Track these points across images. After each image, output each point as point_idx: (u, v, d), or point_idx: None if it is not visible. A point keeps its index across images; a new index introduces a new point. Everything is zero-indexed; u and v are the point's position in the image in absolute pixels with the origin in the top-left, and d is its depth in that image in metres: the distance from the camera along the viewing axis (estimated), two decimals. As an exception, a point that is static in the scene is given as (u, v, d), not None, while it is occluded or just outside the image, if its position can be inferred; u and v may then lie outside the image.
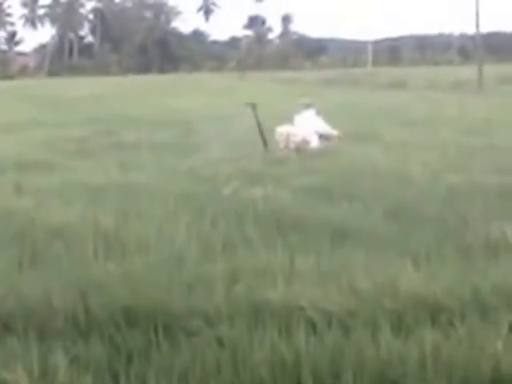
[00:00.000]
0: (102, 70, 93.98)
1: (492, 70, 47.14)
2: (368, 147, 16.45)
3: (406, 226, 8.67)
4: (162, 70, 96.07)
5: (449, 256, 7.26)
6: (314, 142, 16.83)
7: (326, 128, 17.15)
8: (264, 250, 7.51)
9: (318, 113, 17.57)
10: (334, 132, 17.20)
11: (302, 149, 16.37)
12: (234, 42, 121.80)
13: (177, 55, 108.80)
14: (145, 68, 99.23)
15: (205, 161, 14.40)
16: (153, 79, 63.88)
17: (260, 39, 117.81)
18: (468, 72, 46.42)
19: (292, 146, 16.58)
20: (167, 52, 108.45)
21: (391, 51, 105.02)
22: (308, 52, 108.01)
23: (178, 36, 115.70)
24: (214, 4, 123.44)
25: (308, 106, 17.65)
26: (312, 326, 5.51)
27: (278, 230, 8.37)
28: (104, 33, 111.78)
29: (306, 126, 16.99)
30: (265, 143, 16.55)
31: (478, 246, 7.70)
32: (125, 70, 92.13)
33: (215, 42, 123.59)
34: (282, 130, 17.09)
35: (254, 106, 17.31)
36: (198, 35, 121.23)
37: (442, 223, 8.71)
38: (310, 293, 6.05)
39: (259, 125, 16.80)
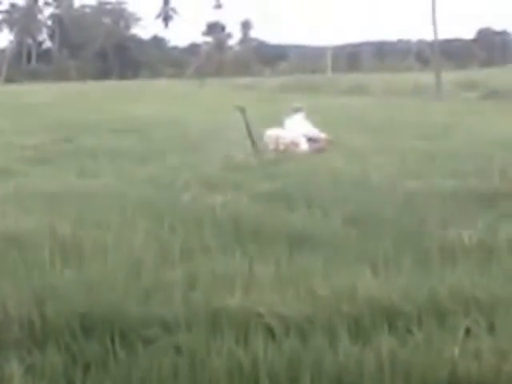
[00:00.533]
0: (61, 75, 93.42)
1: (450, 76, 47.59)
2: (328, 153, 16.51)
3: (365, 231, 8.70)
4: (122, 76, 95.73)
5: (406, 260, 7.29)
6: (304, 146, 17.30)
7: (314, 131, 17.69)
8: (222, 256, 7.50)
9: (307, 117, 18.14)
10: (322, 135, 17.67)
11: (290, 151, 16.91)
12: (193, 48, 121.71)
13: (136, 61, 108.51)
14: (104, 74, 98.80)
15: (164, 167, 14.37)
16: (112, 85, 63.63)
17: (219, 46, 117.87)
18: (426, 78, 46.78)
19: (281, 148, 17.13)
20: (126, 58, 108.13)
21: (351, 57, 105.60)
22: (268, 58, 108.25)
23: (137, 42, 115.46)
24: (173, 10, 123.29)
25: (297, 110, 18.16)
26: (270, 333, 5.51)
27: (236, 236, 8.36)
28: (63, 38, 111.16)
29: (295, 129, 17.51)
30: (254, 145, 16.86)
31: (436, 250, 7.75)
32: (84, 76, 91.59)
33: (175, 48, 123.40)
34: (271, 132, 17.58)
35: (242, 110, 17.69)
36: (157, 41, 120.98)
37: (400, 228, 8.75)
38: (268, 299, 6.04)
39: (248, 127, 17.17)
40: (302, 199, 10.48)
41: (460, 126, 21.68)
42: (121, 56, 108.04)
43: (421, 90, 43.44)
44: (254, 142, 16.92)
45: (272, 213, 9.67)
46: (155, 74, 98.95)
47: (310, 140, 17.42)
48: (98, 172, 13.92)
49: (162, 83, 65.43)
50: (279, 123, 18.12)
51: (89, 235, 8.21)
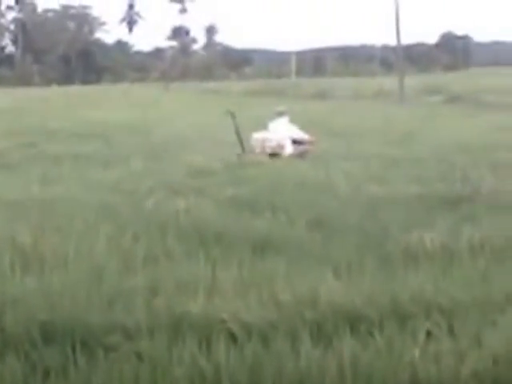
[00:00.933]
0: (24, 80, 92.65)
1: (413, 80, 47.87)
2: (292, 158, 16.55)
3: (329, 236, 8.73)
4: (86, 81, 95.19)
5: (369, 265, 7.32)
6: (289, 148, 17.63)
7: (299, 133, 17.97)
8: (186, 262, 7.49)
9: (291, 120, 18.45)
10: (306, 137, 17.97)
11: (277, 153, 17.33)
12: (158, 52, 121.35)
13: (100, 66, 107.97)
14: (68, 79, 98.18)
15: (127, 173, 14.30)
16: (76, 90, 63.25)
17: (184, 50, 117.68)
18: (390, 83, 47.04)
19: (268, 150, 17.49)
20: (90, 63, 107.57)
21: (315, 62, 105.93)
22: (233, 63, 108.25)
23: (101, 46, 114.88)
24: (137, 15, 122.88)
25: (282, 114, 18.46)
26: (232, 339, 5.50)
27: (200, 242, 8.33)
28: (26, 43, 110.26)
29: (281, 132, 17.87)
30: (242, 147, 17.31)
31: (398, 255, 7.79)
32: (47, 81, 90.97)
33: (139, 53, 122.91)
34: (257, 135, 17.92)
35: (232, 115, 18.03)
36: (121, 46, 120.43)
37: (364, 233, 8.79)
38: (230, 305, 6.03)
39: (238, 131, 17.56)
40: (266, 204, 10.48)
41: (423, 131, 21.83)
42: (84, 61, 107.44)
43: (384, 94, 43.70)
44: (242, 146, 17.38)
45: (236, 218, 9.66)
46: (119, 78, 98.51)
47: (295, 142, 17.83)
48: (61, 178, 13.81)
49: (126, 88, 65.16)
50: (254, 127, 18.41)
51: (50, 243, 8.13)
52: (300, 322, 5.75)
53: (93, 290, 6.59)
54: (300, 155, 17.19)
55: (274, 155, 17.23)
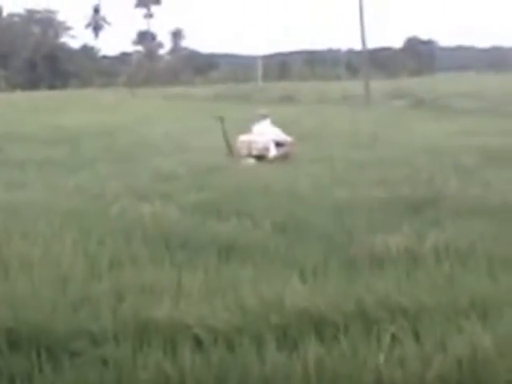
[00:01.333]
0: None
1: (379, 84, 48.17)
2: (258, 162, 16.57)
3: (294, 240, 8.75)
4: (52, 86, 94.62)
5: (334, 269, 7.35)
6: (273, 151, 18.09)
7: (281, 136, 18.47)
8: (151, 267, 7.47)
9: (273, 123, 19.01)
10: (288, 139, 18.43)
11: (262, 155, 17.80)
12: (124, 57, 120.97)
13: (66, 71, 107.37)
14: (33, 84, 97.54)
15: (93, 178, 14.24)
16: (42, 95, 62.87)
17: (150, 55, 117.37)
18: (356, 87, 47.29)
19: (254, 152, 17.90)
20: (56, 67, 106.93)
21: (281, 66, 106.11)
22: (199, 67, 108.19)
23: (67, 51, 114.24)
24: (103, 20, 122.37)
25: (264, 117, 18.99)
26: (198, 344, 5.50)
27: (165, 247, 8.33)
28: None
29: (265, 135, 18.35)
30: (230, 151, 17.85)
31: (363, 259, 7.83)
32: (13, 86, 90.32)
33: (105, 58, 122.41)
34: (244, 138, 18.25)
35: (221, 119, 18.48)
36: (87, 50, 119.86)
37: (329, 237, 8.83)
38: (196, 310, 6.03)
39: (225, 135, 18.05)
40: (231, 209, 10.50)
41: (388, 135, 21.95)
42: (50, 65, 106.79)
43: (350, 98, 43.89)
44: (230, 149, 17.89)
45: (201, 223, 9.66)
46: (85, 83, 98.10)
47: (278, 145, 18.30)
48: (26, 183, 13.73)
49: (92, 93, 64.90)
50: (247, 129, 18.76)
51: (15, 248, 8.09)
52: (265, 326, 5.77)
53: (58, 295, 6.56)
54: (283, 157, 17.70)
55: (259, 157, 17.70)
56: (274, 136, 18.31)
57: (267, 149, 18.06)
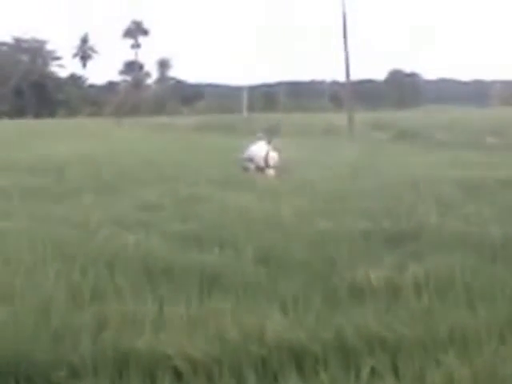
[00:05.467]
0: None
1: (363, 116, 48.43)
2: (240, 193, 16.62)
3: (276, 270, 8.80)
4: (38, 115, 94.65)
5: (315, 300, 7.40)
6: (271, 171, 20.37)
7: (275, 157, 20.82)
8: (133, 298, 7.49)
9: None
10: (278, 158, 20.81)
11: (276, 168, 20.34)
12: (111, 86, 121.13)
13: (54, 99, 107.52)
14: (20, 112, 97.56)
15: (78, 207, 14.26)
16: (28, 124, 62.86)
17: (137, 84, 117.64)
18: (339, 119, 47.53)
19: (271, 162, 20.54)
20: (44, 96, 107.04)
21: (266, 97, 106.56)
22: (185, 97, 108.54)
23: (54, 80, 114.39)
24: (91, 49, 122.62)
25: (260, 138, 21.57)
26: (178, 375, 5.53)
27: (148, 277, 8.36)
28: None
29: (262, 153, 20.74)
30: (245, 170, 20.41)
31: (344, 290, 7.89)
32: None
33: (92, 87, 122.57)
34: (261, 152, 20.68)
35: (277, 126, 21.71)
36: (74, 79, 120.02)
37: (311, 267, 8.88)
38: (177, 341, 6.07)
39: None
40: (214, 239, 10.54)
41: (370, 167, 22.06)
42: (38, 94, 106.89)
43: (334, 130, 44.11)
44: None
45: (184, 253, 9.70)
46: (73, 112, 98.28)
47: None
48: (11, 212, 13.72)
49: (79, 122, 64.94)
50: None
51: (-3, 277, 8.11)
52: (246, 357, 5.81)
53: (40, 324, 6.58)
54: (277, 175, 19.85)
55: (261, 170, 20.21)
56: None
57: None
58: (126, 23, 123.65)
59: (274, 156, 20.84)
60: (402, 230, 11.07)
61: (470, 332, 6.35)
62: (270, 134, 22.28)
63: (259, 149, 20.99)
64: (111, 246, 10.16)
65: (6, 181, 18.89)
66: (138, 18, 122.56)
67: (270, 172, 20.35)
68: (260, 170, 20.44)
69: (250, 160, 20.73)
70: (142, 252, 9.61)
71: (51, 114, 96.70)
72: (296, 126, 46.75)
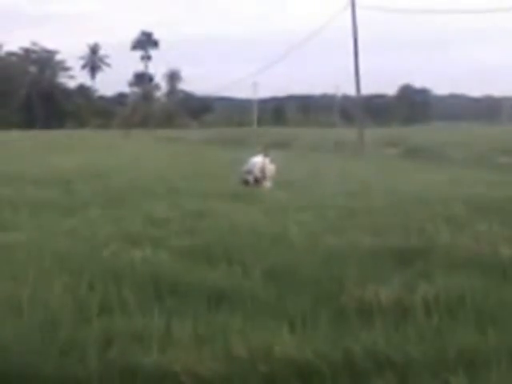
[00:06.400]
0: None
1: (373, 132, 48.50)
2: (248, 208, 16.60)
3: (284, 288, 8.74)
4: (47, 126, 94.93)
5: (324, 319, 7.35)
6: (267, 182, 21.42)
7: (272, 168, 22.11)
8: (140, 313, 7.46)
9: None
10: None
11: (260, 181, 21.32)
12: (120, 98, 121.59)
13: (62, 110, 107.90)
14: (29, 123, 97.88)
15: (86, 220, 14.25)
16: (37, 135, 63.05)
17: (146, 96, 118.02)
18: (350, 134, 47.57)
19: (268, 174, 21.64)
20: (53, 107, 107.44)
21: (276, 111, 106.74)
22: (194, 110, 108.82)
23: (63, 91, 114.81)
24: (100, 60, 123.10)
25: (259, 152, 22.97)
26: (185, 393, 5.49)
27: (155, 293, 8.32)
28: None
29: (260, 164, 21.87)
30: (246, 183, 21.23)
31: (353, 309, 7.83)
32: (7, 125, 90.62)
33: (102, 98, 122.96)
34: (259, 163, 21.79)
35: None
36: (83, 90, 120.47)
37: (319, 285, 8.82)
38: (184, 358, 6.03)
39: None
40: (221, 255, 10.49)
41: (380, 183, 22.04)
42: (46, 105, 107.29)
43: (344, 145, 44.13)
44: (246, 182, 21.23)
45: (192, 269, 9.66)
46: (81, 123, 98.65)
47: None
48: (18, 224, 13.72)
49: (87, 134, 65.13)
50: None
51: (4, 291, 8.08)
52: (253, 376, 5.76)
53: (46, 339, 6.55)
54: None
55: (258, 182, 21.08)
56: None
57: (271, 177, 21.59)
58: (135, 34, 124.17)
59: (271, 168, 22.01)
60: (412, 249, 11.00)
61: (480, 354, 6.29)
62: (267, 148, 23.56)
63: (257, 161, 22.14)
64: (119, 260, 10.14)
65: (14, 193, 18.92)
66: (148, 30, 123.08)
67: (267, 183, 21.49)
68: (257, 181, 21.48)
69: (249, 173, 21.75)
70: (149, 267, 9.58)
71: (60, 125, 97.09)
72: (306, 140, 46.82)
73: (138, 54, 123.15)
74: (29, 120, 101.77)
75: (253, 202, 17.57)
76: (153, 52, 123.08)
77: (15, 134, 65.55)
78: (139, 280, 8.86)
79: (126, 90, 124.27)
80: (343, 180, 23.25)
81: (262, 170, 21.73)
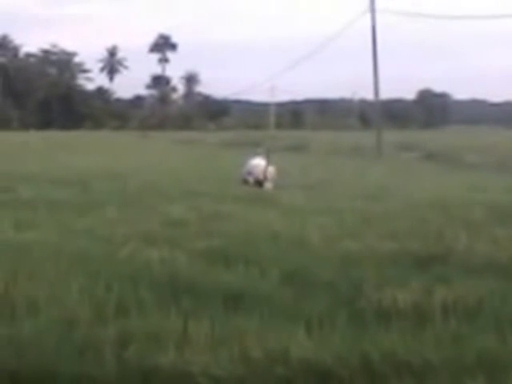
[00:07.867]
0: (3, 124, 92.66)
1: (391, 136, 48.33)
2: (265, 211, 16.56)
3: (301, 291, 8.71)
4: (65, 127, 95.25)
5: (341, 322, 7.31)
6: (268, 184, 22.12)
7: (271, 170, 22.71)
8: (157, 314, 7.44)
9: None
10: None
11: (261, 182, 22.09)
12: (137, 100, 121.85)
13: (80, 112, 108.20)
14: (47, 124, 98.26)
15: (103, 220, 14.26)
16: (54, 136, 63.27)
17: (164, 99, 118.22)
18: (368, 138, 47.45)
19: (269, 176, 22.32)
20: (70, 108, 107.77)
21: (294, 114, 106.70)
22: (212, 113, 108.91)
23: (81, 93, 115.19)
24: (119, 63, 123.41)
25: (259, 154, 23.54)
26: (202, 394, 5.47)
27: (172, 293, 8.30)
28: (6, 88, 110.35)
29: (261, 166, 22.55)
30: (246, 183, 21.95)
31: (371, 312, 7.79)
32: (26, 126, 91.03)
33: (119, 100, 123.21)
34: (260, 164, 22.58)
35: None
36: (101, 92, 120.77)
37: (336, 289, 8.78)
38: (201, 359, 6.00)
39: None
40: (239, 257, 10.47)
41: (398, 187, 21.96)
42: (64, 106, 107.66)
43: (361, 149, 44.03)
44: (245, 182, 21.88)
45: (209, 270, 9.64)
46: (99, 125, 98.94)
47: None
48: (36, 224, 13.74)
49: (105, 135, 65.30)
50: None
51: (22, 290, 8.08)
52: (270, 378, 5.73)
53: (63, 338, 6.54)
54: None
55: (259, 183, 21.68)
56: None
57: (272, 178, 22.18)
58: (153, 37, 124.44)
59: (271, 170, 22.62)
60: (430, 253, 10.94)
61: (499, 358, 6.23)
62: (268, 151, 23.74)
63: (258, 163, 22.89)
64: (136, 261, 10.13)
65: (32, 192, 18.98)
66: (167, 33, 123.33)
67: (268, 185, 22.16)
68: (258, 183, 22.21)
69: (250, 174, 22.65)
70: (166, 268, 9.57)
71: (77, 126, 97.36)
72: (324, 144, 46.74)
73: (156, 56, 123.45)
74: (46, 121, 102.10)
75: (270, 204, 17.54)
76: (171, 55, 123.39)
77: (33, 135, 65.80)
78: (156, 280, 8.85)
79: (143, 92, 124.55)
80: (361, 184, 23.18)
81: (264, 173, 22.40)
